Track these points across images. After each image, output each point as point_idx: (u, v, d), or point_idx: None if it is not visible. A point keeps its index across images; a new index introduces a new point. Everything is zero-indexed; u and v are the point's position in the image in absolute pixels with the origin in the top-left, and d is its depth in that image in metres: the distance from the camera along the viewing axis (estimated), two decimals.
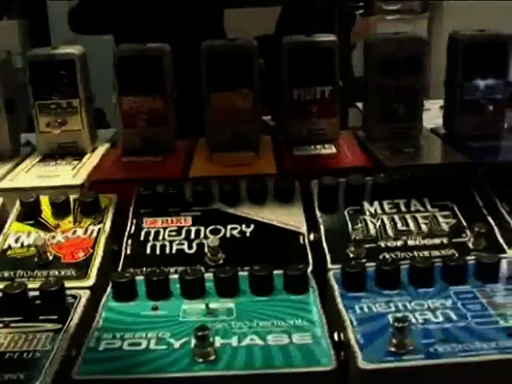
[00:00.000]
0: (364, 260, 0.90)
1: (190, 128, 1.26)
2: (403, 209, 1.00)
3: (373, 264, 0.85)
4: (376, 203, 1.01)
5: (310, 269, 0.89)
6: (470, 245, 0.93)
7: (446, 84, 1.27)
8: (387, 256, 0.92)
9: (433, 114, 1.34)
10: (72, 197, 1.04)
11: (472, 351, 0.70)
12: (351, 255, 0.92)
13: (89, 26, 2.08)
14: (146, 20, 1.92)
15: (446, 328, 0.75)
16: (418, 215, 0.99)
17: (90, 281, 0.89)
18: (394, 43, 1.21)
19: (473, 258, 0.87)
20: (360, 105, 1.86)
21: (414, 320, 0.76)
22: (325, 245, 0.94)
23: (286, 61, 1.21)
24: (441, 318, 0.76)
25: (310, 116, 1.23)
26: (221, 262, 0.91)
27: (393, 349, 0.71)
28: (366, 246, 0.93)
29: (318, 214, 1.00)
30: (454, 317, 0.77)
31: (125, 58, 1.19)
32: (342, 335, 0.75)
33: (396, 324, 0.70)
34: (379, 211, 1.00)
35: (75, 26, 2.13)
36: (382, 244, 0.94)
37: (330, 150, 1.21)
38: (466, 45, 1.22)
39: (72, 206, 1.03)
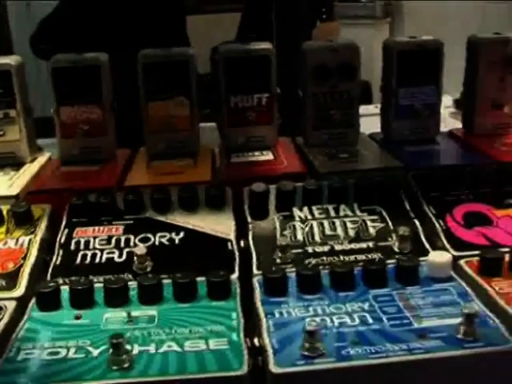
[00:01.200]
0: (290, 265, 0.91)
1: (134, 136, 1.26)
2: (332, 214, 1.02)
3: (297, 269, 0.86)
4: (306, 209, 1.03)
5: (235, 275, 0.90)
6: (396, 248, 0.94)
7: (382, 90, 1.28)
8: (313, 261, 0.93)
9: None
10: (5, 207, 1.04)
11: (382, 353, 0.72)
12: (278, 261, 0.92)
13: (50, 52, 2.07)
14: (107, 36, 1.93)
15: (360, 331, 0.76)
16: (346, 220, 1.00)
17: (19, 291, 0.89)
18: (327, 51, 1.22)
19: (393, 261, 0.88)
20: None
21: (330, 324, 0.78)
22: (252, 251, 0.94)
23: (223, 69, 1.22)
24: (357, 321, 0.78)
25: (248, 123, 1.24)
26: (148, 269, 0.92)
27: (305, 353, 0.72)
28: (293, 251, 0.94)
29: (249, 220, 1.01)
30: (369, 320, 0.78)
31: (60, 69, 1.19)
32: (260, 340, 0.76)
33: (307, 328, 0.71)
34: (309, 217, 1.01)
35: (37, 52, 2.14)
36: (309, 249, 0.95)
37: (267, 156, 1.22)
38: (399, 52, 1.24)
39: (6, 217, 1.03)
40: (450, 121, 1.39)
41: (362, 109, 1.34)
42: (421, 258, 0.89)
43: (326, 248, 0.95)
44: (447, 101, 1.63)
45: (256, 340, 0.76)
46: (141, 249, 0.92)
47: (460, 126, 1.34)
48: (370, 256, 0.93)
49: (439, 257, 0.87)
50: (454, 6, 4.45)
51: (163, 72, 1.21)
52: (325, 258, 0.93)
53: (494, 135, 1.29)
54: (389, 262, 0.89)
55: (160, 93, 1.22)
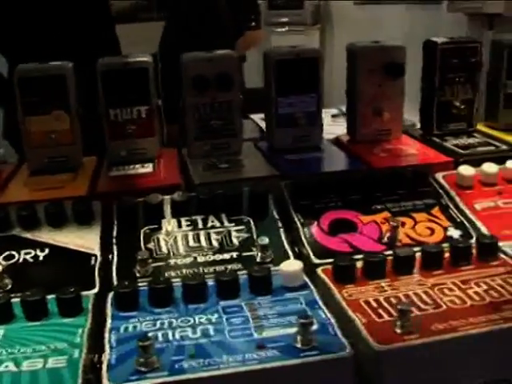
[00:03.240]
0: (149, 279, 0.90)
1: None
2: (200, 225, 1.02)
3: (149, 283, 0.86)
4: (174, 221, 1.02)
5: (94, 291, 0.89)
6: (258, 258, 0.95)
7: (263, 99, 1.29)
8: (173, 273, 0.93)
9: (325, 123, 1.35)
10: None
11: (216, 365, 0.72)
12: (138, 274, 0.92)
13: None
14: (36, 38, 1.90)
15: (199, 344, 0.76)
16: (212, 231, 1.01)
17: None
18: (205, 62, 1.23)
19: (244, 272, 0.89)
20: (255, 116, 1.90)
21: (171, 337, 0.77)
22: (114, 265, 0.94)
23: (101, 82, 1.21)
24: (198, 334, 0.78)
25: (128, 136, 1.23)
26: (8, 287, 0.91)
27: (139, 367, 0.71)
28: (155, 264, 0.94)
29: (115, 234, 1.00)
30: (211, 332, 0.78)
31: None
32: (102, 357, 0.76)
33: (140, 343, 0.71)
34: (175, 229, 1.01)
35: None
36: (171, 262, 0.95)
37: (147, 169, 1.21)
38: (278, 61, 1.25)
39: None
40: None
41: None
42: (274, 268, 0.89)
43: (189, 260, 0.95)
44: None
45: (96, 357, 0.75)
46: None
47: None
48: (230, 267, 0.93)
49: (290, 266, 0.87)
50: (383, 12, 4.51)
51: (40, 86, 1.19)
52: (185, 270, 0.93)
53: (375, 141, 1.31)
54: (242, 272, 0.89)
55: (38, 107, 1.20)
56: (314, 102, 1.28)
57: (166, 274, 0.92)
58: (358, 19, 4.62)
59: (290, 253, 0.97)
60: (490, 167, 1.13)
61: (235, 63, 1.23)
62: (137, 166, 1.23)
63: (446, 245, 0.95)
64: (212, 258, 0.96)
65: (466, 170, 1.13)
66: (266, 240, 0.95)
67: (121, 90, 1.22)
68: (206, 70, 1.22)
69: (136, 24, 4.56)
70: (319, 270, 0.91)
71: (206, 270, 0.93)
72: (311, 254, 0.96)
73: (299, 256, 0.97)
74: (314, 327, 0.77)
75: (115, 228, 1.02)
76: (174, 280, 0.90)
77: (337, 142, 1.36)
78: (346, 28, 4.68)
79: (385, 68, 1.28)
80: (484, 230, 1.02)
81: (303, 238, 0.99)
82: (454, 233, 1.02)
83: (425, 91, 1.36)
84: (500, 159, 1.20)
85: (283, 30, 5.03)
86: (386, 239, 0.99)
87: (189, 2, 2.88)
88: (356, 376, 0.76)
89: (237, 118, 1.26)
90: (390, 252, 0.93)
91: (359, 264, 0.90)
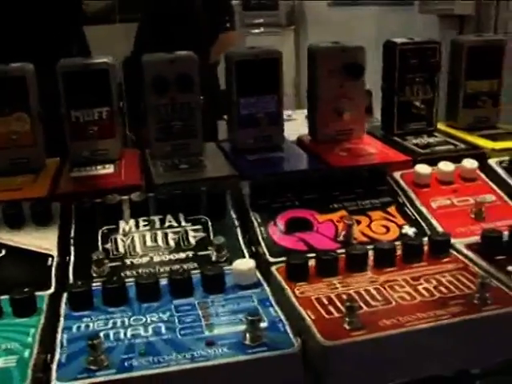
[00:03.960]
0: (105, 279, 0.91)
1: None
2: (157, 225, 1.03)
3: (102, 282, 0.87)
4: (132, 221, 1.03)
5: (50, 291, 0.90)
6: (214, 257, 0.96)
7: (226, 100, 1.30)
8: (129, 273, 0.93)
9: (299, 123, 1.36)
10: None
11: (165, 362, 0.73)
12: (94, 275, 0.93)
13: None
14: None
15: (150, 342, 0.77)
16: (169, 231, 1.01)
17: None
18: (165, 63, 1.23)
19: (197, 271, 0.90)
20: None
21: (123, 336, 0.78)
22: (71, 266, 0.95)
23: (62, 84, 1.22)
24: (150, 333, 0.79)
25: (90, 137, 1.24)
26: None
27: (89, 366, 0.72)
28: (111, 264, 0.94)
29: (73, 235, 1.01)
30: (163, 330, 0.79)
31: None
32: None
33: (89, 342, 0.72)
34: (133, 229, 1.02)
35: None
36: (128, 261, 0.95)
37: (108, 170, 1.22)
38: (238, 62, 1.26)
39: None
40: None
41: None
42: (228, 267, 0.90)
43: (145, 260, 0.95)
44: None
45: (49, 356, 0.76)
46: None
47: None
48: (186, 266, 0.94)
49: (242, 264, 0.88)
50: (357, 14, 4.53)
51: (0, 88, 1.19)
52: (141, 269, 0.94)
53: (337, 141, 1.32)
54: (197, 271, 0.90)
55: None
56: (275, 103, 1.29)
57: (122, 274, 0.93)
58: (331, 20, 4.65)
59: (246, 252, 0.97)
60: (446, 166, 1.15)
61: (196, 64, 1.24)
62: (98, 166, 1.24)
63: (399, 242, 0.96)
64: (168, 257, 0.96)
65: (422, 168, 1.14)
66: (221, 239, 0.96)
67: (82, 92, 1.23)
68: (166, 71, 1.23)
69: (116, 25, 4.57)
70: (273, 269, 0.92)
71: (161, 270, 0.94)
72: (267, 252, 0.97)
73: (255, 255, 0.98)
74: (264, 324, 0.78)
75: (73, 229, 1.02)
76: (129, 279, 0.90)
77: (299, 142, 1.37)
78: (320, 29, 4.70)
79: (345, 68, 1.29)
80: (439, 227, 1.04)
81: (259, 237, 1.00)
82: (409, 230, 1.03)
83: (385, 91, 1.38)
84: (458, 158, 1.21)
85: (258, 31, 5.05)
86: (341, 237, 1.00)
87: (163, 4, 2.88)
88: (307, 372, 0.77)
89: (197, 118, 1.27)
90: (344, 250, 0.94)
91: (313, 262, 0.91)
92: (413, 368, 0.80)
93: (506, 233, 0.97)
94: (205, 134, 1.29)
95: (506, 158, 1.21)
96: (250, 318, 0.75)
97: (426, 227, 1.04)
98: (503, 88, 1.40)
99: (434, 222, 1.05)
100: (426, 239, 0.97)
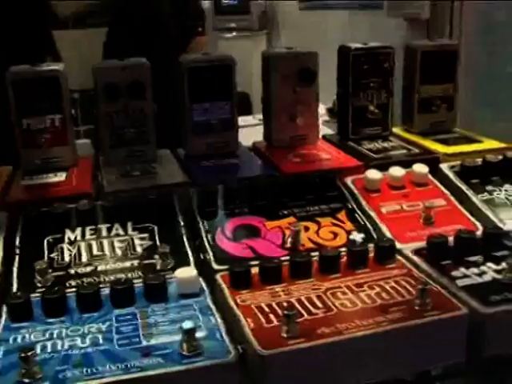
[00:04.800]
0: (49, 289, 0.90)
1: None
2: (104, 234, 1.02)
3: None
4: (78, 230, 1.02)
5: None
6: (159, 265, 0.95)
7: (177, 107, 1.30)
8: (73, 283, 0.93)
9: None
10: None
11: (99, 374, 0.72)
12: (38, 284, 0.92)
13: None
14: None
15: (87, 353, 0.76)
16: (116, 239, 1.01)
17: None
18: (117, 70, 1.23)
19: (138, 279, 0.89)
20: None
21: (60, 347, 0.77)
22: (14, 276, 0.94)
23: (12, 91, 1.21)
24: (87, 343, 0.78)
25: (41, 145, 1.23)
26: None
27: (22, 379, 0.71)
28: (56, 273, 0.94)
29: (18, 244, 1.00)
30: (100, 341, 0.78)
31: None
32: None
33: (22, 354, 0.71)
34: (79, 238, 1.01)
35: None
36: (72, 271, 0.95)
37: (60, 178, 1.21)
38: (190, 68, 1.25)
39: None
40: (322, 129, 1.41)
41: (242, 120, 1.37)
42: (170, 276, 0.89)
43: (90, 269, 0.95)
44: (320, 109, 1.66)
45: None
46: None
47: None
48: (130, 275, 0.94)
49: (184, 273, 0.88)
50: (328, 18, 4.54)
51: None
52: (85, 278, 0.93)
53: (291, 147, 1.32)
54: (139, 280, 0.89)
55: None
56: (229, 109, 1.28)
57: (67, 284, 0.92)
58: (303, 24, 4.65)
59: (192, 260, 0.97)
60: (396, 171, 1.15)
61: (148, 71, 1.23)
62: (50, 174, 1.23)
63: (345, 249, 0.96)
64: (113, 266, 0.96)
65: (372, 173, 1.15)
66: (166, 248, 0.95)
67: (32, 99, 1.22)
68: (117, 78, 1.22)
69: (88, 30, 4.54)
70: (218, 276, 0.92)
71: (106, 279, 0.93)
72: (213, 260, 0.96)
73: (202, 262, 0.97)
74: (202, 333, 0.77)
75: (18, 238, 1.01)
76: (72, 289, 0.89)
77: (254, 148, 1.37)
78: (292, 33, 4.71)
79: (298, 74, 1.29)
80: (387, 233, 1.04)
81: (206, 245, 1.00)
82: (357, 236, 1.03)
83: (340, 96, 1.38)
84: (411, 163, 1.22)
85: (230, 35, 5.05)
86: (288, 244, 1.00)
87: (132, 8, 2.87)
88: (247, 380, 0.77)
89: (150, 125, 1.26)
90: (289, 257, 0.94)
91: (257, 270, 0.91)
92: (352, 375, 0.80)
93: (451, 238, 0.97)
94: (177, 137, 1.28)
95: (458, 162, 1.21)
96: (185, 327, 0.74)
97: (374, 233, 1.04)
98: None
99: (383, 228, 1.05)
100: (371, 245, 0.97)
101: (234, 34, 5.07)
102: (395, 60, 1.37)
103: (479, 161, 1.21)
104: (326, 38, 3.81)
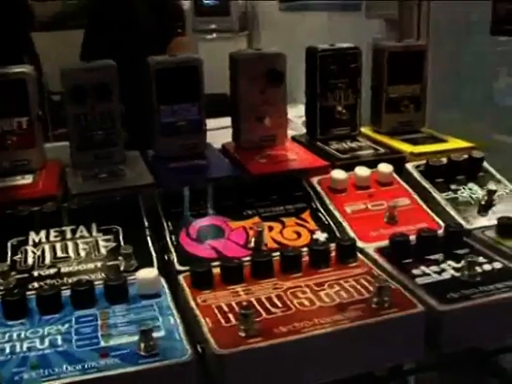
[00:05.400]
0: (11, 291, 0.90)
1: None
2: (68, 236, 1.02)
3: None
4: (43, 232, 1.03)
5: None
6: (122, 267, 0.96)
7: (147, 108, 1.30)
8: (36, 285, 0.93)
9: None
10: None
11: (55, 375, 0.72)
12: (0, 287, 0.92)
13: None
14: None
15: (44, 354, 0.77)
16: (80, 241, 1.01)
17: None
18: (83, 72, 1.23)
19: (101, 281, 0.90)
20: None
21: (18, 349, 0.78)
22: None
23: None
24: (46, 345, 0.78)
25: (8, 147, 1.23)
26: None
27: None
28: (18, 276, 0.94)
29: None
30: (59, 342, 0.79)
31: None
32: None
33: None
34: (43, 240, 1.01)
35: None
36: (36, 273, 0.95)
37: (27, 180, 1.21)
38: (158, 70, 1.26)
39: None
40: (302, 129, 1.42)
41: (221, 121, 1.40)
42: (132, 277, 0.90)
43: (53, 271, 0.95)
44: (300, 110, 1.67)
45: None
46: None
47: None
48: (94, 276, 0.94)
49: (145, 274, 0.88)
50: (308, 19, 4.55)
51: None
52: (49, 280, 0.93)
53: (259, 148, 1.33)
54: (101, 282, 0.90)
55: None
56: (197, 110, 1.29)
57: (29, 286, 0.92)
58: (284, 26, 4.66)
59: (155, 261, 0.97)
60: (361, 170, 1.16)
61: (114, 73, 1.24)
62: (17, 177, 1.23)
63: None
64: (76, 268, 0.96)
65: (338, 173, 1.16)
66: (129, 249, 0.95)
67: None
68: (83, 80, 1.23)
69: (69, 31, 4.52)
70: (180, 277, 0.92)
71: (69, 281, 0.93)
72: (176, 260, 0.97)
73: (166, 263, 0.98)
74: (160, 334, 0.78)
75: None
76: (32, 292, 0.89)
77: (223, 149, 1.37)
78: (273, 34, 4.71)
79: (265, 75, 1.30)
80: (350, 232, 1.05)
81: (170, 246, 1.00)
82: (321, 236, 1.04)
83: (308, 97, 1.38)
84: (378, 162, 1.22)
85: (211, 36, 5.05)
86: (252, 244, 1.00)
87: (107, 8, 2.87)
88: (205, 380, 0.77)
89: (118, 127, 1.26)
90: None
91: (218, 270, 0.91)
92: (311, 374, 0.80)
93: (413, 236, 0.98)
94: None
95: (423, 161, 1.22)
96: (141, 328, 0.75)
97: (337, 232, 1.05)
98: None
99: (347, 227, 1.06)
100: (332, 244, 0.97)
101: (215, 35, 5.07)
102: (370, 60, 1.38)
103: (444, 160, 1.22)
104: (306, 39, 3.81)
